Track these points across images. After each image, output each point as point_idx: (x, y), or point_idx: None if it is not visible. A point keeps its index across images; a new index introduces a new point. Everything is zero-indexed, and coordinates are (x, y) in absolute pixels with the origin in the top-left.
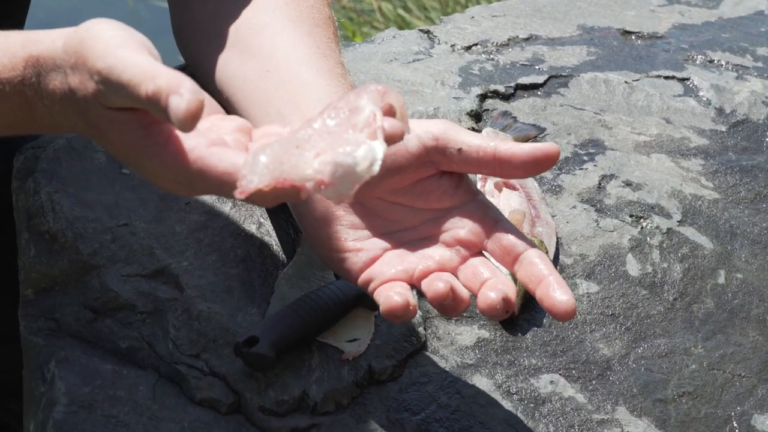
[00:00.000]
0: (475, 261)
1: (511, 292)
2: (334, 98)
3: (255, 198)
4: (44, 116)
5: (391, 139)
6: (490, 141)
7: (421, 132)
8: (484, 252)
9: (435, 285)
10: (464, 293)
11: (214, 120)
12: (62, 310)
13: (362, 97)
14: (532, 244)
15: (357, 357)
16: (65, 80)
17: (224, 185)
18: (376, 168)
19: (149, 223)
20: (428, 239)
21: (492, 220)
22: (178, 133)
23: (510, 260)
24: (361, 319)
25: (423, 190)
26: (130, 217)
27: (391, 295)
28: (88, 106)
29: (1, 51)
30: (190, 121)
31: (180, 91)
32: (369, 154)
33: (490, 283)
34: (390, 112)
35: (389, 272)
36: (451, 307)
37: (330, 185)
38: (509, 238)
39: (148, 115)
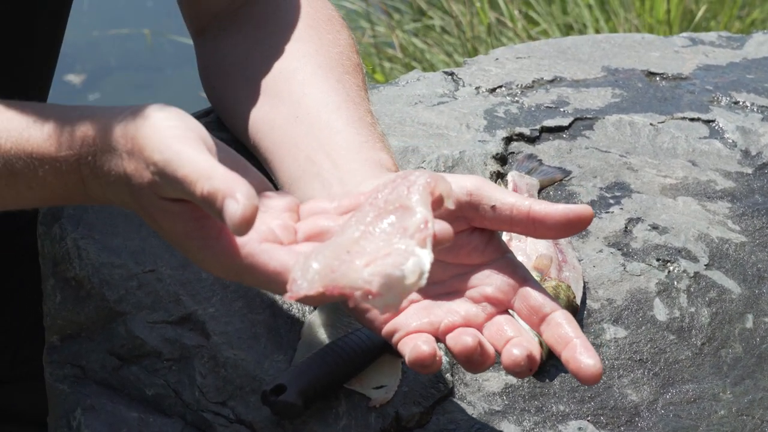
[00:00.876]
0: (501, 319)
1: (536, 350)
2: (384, 183)
3: (303, 301)
4: (98, 193)
5: (439, 243)
6: (525, 200)
7: (456, 187)
8: (510, 311)
9: (463, 339)
10: (491, 349)
11: (263, 200)
12: (88, 357)
13: (413, 195)
14: (559, 306)
15: (384, 404)
16: (121, 164)
17: (273, 283)
18: (424, 281)
19: (175, 269)
20: (455, 294)
21: (520, 278)
22: None
23: (537, 320)
24: (387, 366)
25: (453, 245)
26: (156, 264)
27: (418, 344)
28: (142, 193)
29: (59, 128)
30: (244, 227)
31: (236, 196)
32: (417, 267)
33: (515, 340)
34: (439, 201)
35: (414, 324)
36: (478, 362)
37: (378, 296)
38: (537, 298)
39: (200, 208)
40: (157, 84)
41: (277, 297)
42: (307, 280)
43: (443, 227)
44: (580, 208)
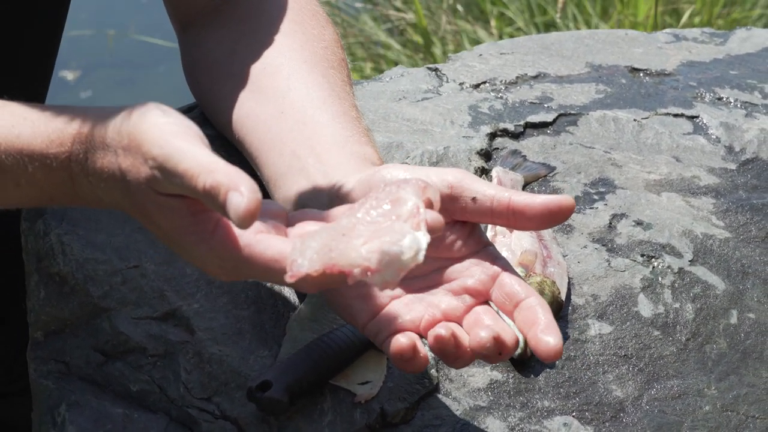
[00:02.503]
0: (480, 309)
1: (507, 335)
2: (374, 188)
3: (303, 283)
4: (87, 192)
5: (431, 232)
6: (505, 192)
7: (437, 180)
8: (490, 302)
9: (435, 331)
10: (466, 341)
11: None
12: (72, 352)
13: (405, 189)
14: (534, 293)
15: (369, 400)
16: (115, 160)
17: (270, 271)
18: (421, 257)
19: (160, 265)
20: (436, 287)
21: (499, 269)
22: (226, 221)
23: (511, 307)
24: (373, 362)
25: (434, 238)
26: (141, 259)
27: (398, 337)
28: (138, 189)
29: (50, 126)
30: (249, 219)
31: (240, 189)
32: (414, 243)
33: (485, 323)
34: (429, 205)
35: (396, 323)
36: (453, 354)
37: (376, 272)
38: (512, 285)
39: (197, 203)
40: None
41: (262, 293)
42: (307, 259)
43: (434, 216)
44: (560, 199)
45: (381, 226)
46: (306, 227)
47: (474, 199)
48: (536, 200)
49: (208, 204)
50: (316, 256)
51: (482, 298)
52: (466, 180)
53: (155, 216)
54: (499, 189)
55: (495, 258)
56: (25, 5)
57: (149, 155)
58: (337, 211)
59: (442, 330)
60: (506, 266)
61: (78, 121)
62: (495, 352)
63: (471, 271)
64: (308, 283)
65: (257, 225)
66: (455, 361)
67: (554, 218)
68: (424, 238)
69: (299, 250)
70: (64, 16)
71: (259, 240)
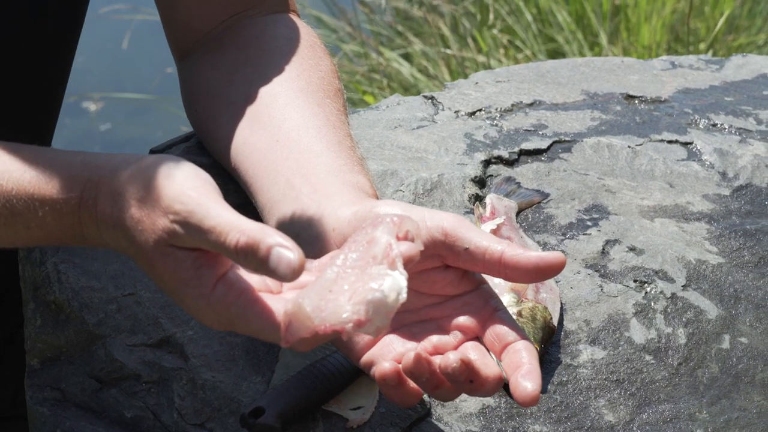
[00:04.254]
0: (468, 345)
1: (482, 364)
2: (357, 231)
3: (298, 345)
4: (94, 236)
5: (408, 261)
6: (498, 245)
7: (432, 225)
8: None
9: (408, 354)
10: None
11: None
12: (68, 380)
13: (378, 229)
14: (524, 337)
15: (361, 425)
16: (126, 209)
17: (265, 331)
18: (404, 296)
19: (154, 292)
20: (428, 322)
21: (492, 309)
22: (227, 278)
23: (499, 348)
24: (365, 387)
25: (428, 280)
26: (136, 287)
27: (381, 363)
28: (147, 239)
29: (62, 172)
30: (298, 274)
31: (288, 245)
32: (395, 285)
33: (463, 351)
34: (407, 238)
35: (389, 357)
36: (428, 381)
37: (367, 322)
38: (503, 328)
39: (203, 257)
40: None
41: None
42: (301, 324)
43: (408, 247)
44: (550, 257)
45: (361, 274)
46: (299, 281)
47: (467, 249)
48: (528, 258)
49: (237, 261)
50: (309, 321)
51: (473, 335)
52: (461, 229)
53: (158, 266)
54: (492, 241)
55: (488, 297)
56: (35, 31)
57: (170, 210)
58: (324, 260)
59: (412, 353)
60: (498, 307)
61: (90, 168)
62: (464, 378)
63: (463, 309)
64: (303, 345)
65: (256, 281)
66: (434, 390)
67: (545, 274)
68: (401, 276)
69: (292, 314)
70: (74, 45)
71: (257, 299)
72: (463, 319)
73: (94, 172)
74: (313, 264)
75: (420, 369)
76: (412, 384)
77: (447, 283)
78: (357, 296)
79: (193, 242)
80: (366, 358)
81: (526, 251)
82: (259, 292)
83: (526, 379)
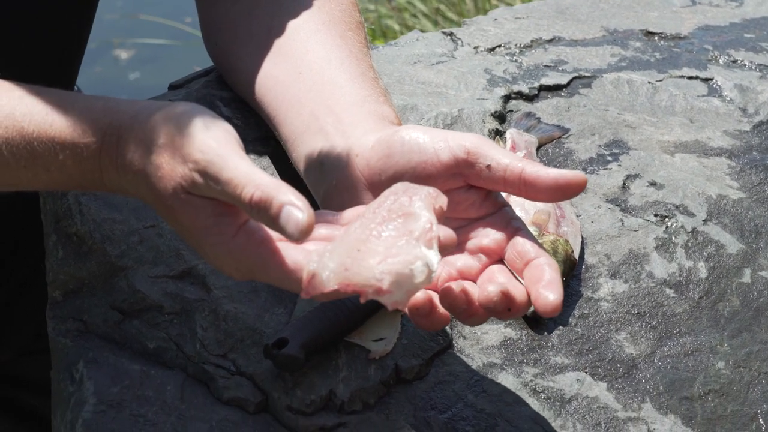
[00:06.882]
0: (494, 268)
1: (517, 291)
2: (386, 194)
3: (318, 297)
4: (114, 182)
5: (444, 248)
6: (519, 162)
7: (454, 144)
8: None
9: (447, 286)
10: (476, 298)
11: None
12: (90, 311)
13: (415, 202)
14: (545, 254)
15: (384, 356)
16: (147, 155)
17: (286, 281)
18: (432, 279)
19: None
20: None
21: (513, 229)
22: (247, 227)
23: (521, 265)
24: (387, 319)
25: (451, 201)
26: (157, 219)
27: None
28: (167, 185)
29: (83, 116)
30: (307, 233)
31: (298, 204)
32: (426, 267)
33: (497, 280)
34: (441, 213)
35: None
36: (464, 311)
37: (387, 293)
38: (525, 245)
39: (223, 205)
40: None
41: None
42: (323, 278)
43: (447, 232)
44: (571, 174)
45: (395, 244)
46: (318, 231)
47: (489, 166)
48: (548, 174)
49: (250, 214)
50: (333, 275)
51: (497, 257)
52: (483, 147)
53: (178, 213)
54: (514, 158)
55: (510, 219)
56: (49, 11)
57: (190, 158)
58: (349, 214)
59: (452, 285)
60: (520, 227)
61: (112, 113)
62: (503, 308)
63: (486, 232)
64: (322, 297)
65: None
66: (468, 318)
67: (564, 193)
68: (435, 258)
69: (316, 267)
70: (88, 23)
71: (279, 249)
72: (486, 241)
73: (115, 118)
74: (336, 217)
75: (458, 300)
76: (442, 310)
77: (470, 204)
78: (386, 265)
79: (209, 192)
80: None
81: (547, 168)
82: (279, 241)
83: (547, 289)
